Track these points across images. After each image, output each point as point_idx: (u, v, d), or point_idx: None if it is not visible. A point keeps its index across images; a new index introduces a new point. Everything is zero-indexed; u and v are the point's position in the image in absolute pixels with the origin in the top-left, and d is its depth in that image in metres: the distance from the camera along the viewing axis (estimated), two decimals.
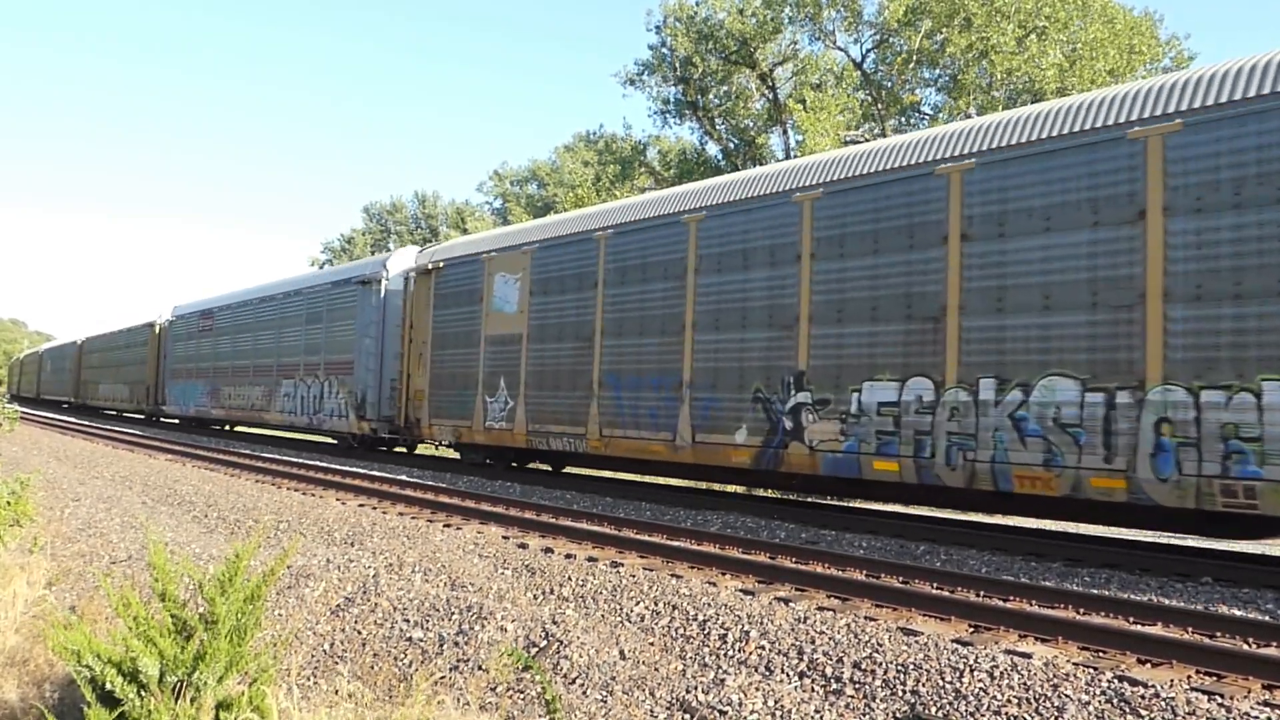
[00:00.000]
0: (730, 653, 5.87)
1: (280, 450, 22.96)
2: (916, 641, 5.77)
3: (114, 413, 43.64)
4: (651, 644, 6.15)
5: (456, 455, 19.45)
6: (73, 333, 61.92)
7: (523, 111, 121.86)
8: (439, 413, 17.32)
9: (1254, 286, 7.63)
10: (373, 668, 6.04)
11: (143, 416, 38.69)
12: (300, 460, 18.90)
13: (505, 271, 15.92)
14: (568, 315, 14.47)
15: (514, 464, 17.38)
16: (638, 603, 6.90)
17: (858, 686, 5.25)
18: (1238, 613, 6.70)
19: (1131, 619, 6.44)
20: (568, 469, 17.75)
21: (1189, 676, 5.23)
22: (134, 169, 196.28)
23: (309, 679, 5.85)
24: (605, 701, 5.26)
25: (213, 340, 29.52)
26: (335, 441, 23.44)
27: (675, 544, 9.11)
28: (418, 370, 18.09)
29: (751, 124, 29.30)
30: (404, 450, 21.89)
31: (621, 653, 5.89)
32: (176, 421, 34.84)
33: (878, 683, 5.26)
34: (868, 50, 26.75)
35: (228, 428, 32.18)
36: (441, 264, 17.76)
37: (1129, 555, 8.76)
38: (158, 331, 35.02)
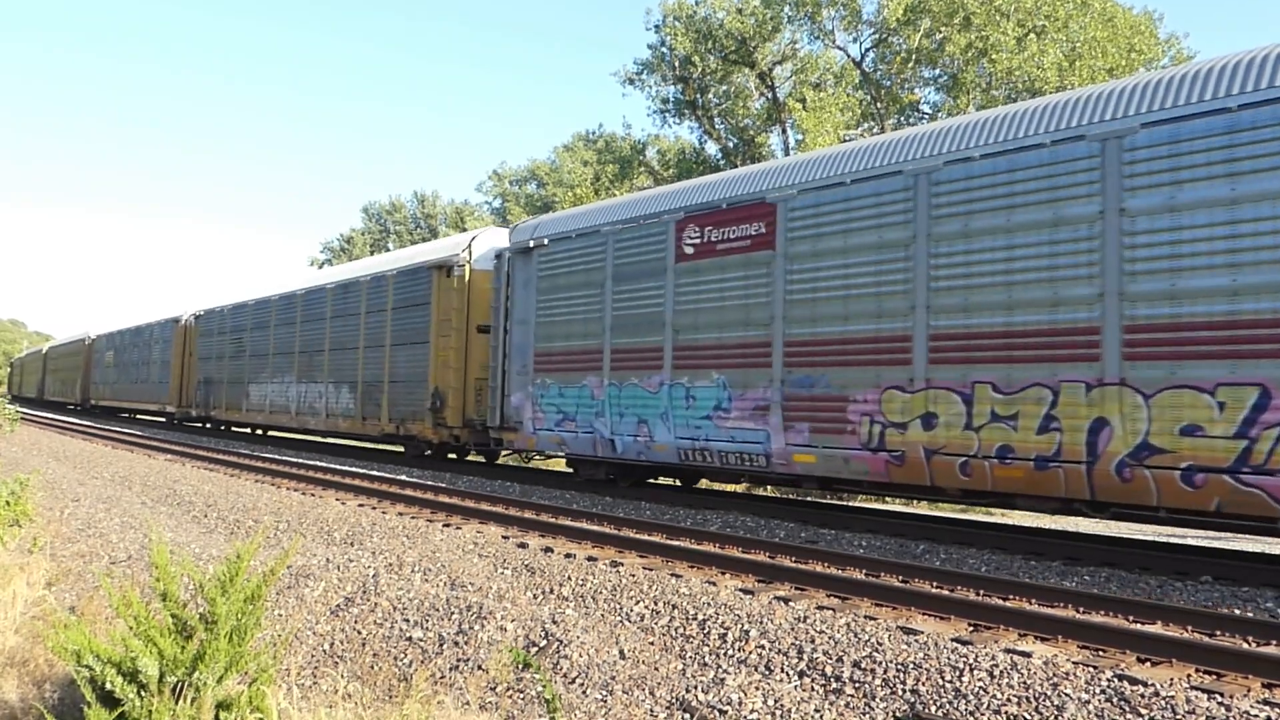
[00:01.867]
0: (730, 652, 5.87)
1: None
2: (916, 640, 5.77)
3: (263, 431, 26.55)
4: (651, 643, 6.15)
5: None
6: (72, 332, 58.59)
7: (523, 111, 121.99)
8: None
9: None
10: (372, 667, 6.04)
11: (417, 453, 18.58)
12: (300, 460, 18.87)
13: None
14: None
15: None
16: (637, 602, 6.91)
17: (857, 685, 5.25)
18: (1237, 611, 6.71)
19: (1131, 618, 6.45)
20: None
21: (1189, 675, 5.23)
22: (134, 169, 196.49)
23: (309, 679, 5.85)
24: (605, 701, 5.26)
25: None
26: None
27: (675, 543, 9.11)
28: None
29: (751, 123, 29.30)
30: None
31: (621, 652, 5.89)
32: (578, 475, 14.88)
33: (877, 682, 5.26)
34: (867, 49, 26.78)
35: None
36: None
37: (1128, 554, 8.76)
38: (465, 278, 16.82)
